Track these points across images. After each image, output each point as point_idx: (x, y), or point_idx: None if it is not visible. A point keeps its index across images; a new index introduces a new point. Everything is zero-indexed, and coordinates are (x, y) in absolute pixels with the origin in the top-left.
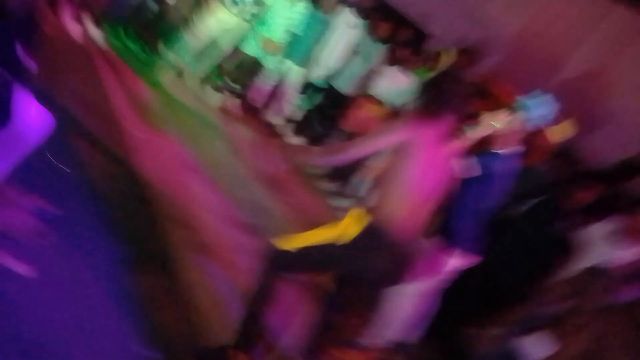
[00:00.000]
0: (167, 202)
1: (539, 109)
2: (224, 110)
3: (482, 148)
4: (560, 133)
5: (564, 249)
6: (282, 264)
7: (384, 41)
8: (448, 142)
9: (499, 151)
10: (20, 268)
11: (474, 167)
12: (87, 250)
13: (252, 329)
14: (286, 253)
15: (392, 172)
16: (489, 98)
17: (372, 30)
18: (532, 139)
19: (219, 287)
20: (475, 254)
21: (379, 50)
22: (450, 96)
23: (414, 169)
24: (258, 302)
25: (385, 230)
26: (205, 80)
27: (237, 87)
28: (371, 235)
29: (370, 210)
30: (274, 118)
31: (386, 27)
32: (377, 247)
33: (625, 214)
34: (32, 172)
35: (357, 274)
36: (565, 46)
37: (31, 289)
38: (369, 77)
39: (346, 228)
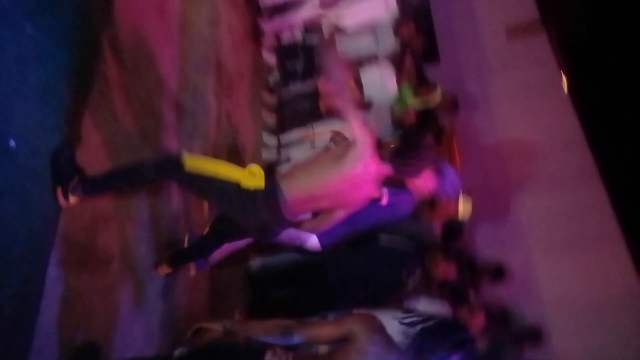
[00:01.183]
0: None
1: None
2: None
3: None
4: (462, 207)
5: (393, 295)
6: (181, 176)
7: (400, 40)
8: (380, 167)
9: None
10: None
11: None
12: None
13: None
14: (187, 172)
15: (321, 160)
16: (443, 146)
17: (397, 24)
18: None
19: None
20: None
21: (391, 44)
22: (422, 150)
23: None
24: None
25: (278, 200)
26: None
27: None
28: (265, 196)
29: (280, 175)
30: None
31: (410, 31)
32: (264, 208)
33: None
34: None
35: (236, 217)
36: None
37: None
38: (367, 59)
39: (247, 177)
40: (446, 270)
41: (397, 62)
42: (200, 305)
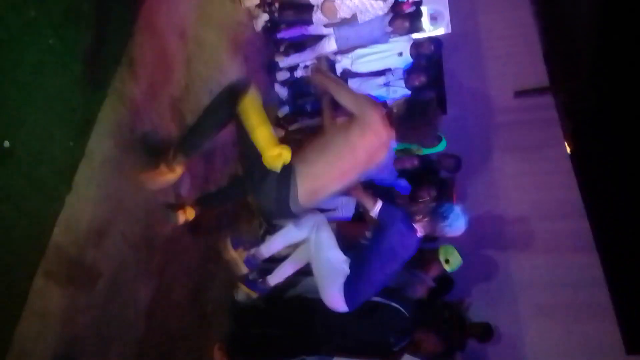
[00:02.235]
0: None
1: (456, 220)
2: None
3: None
4: (452, 258)
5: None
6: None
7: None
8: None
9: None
10: None
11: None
12: None
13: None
14: (236, 112)
15: (331, 138)
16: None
17: (409, 74)
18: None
19: None
20: None
21: (402, 93)
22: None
23: (354, 151)
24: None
25: (288, 191)
26: None
27: None
28: (278, 182)
29: (294, 158)
30: None
31: (421, 82)
32: (279, 188)
33: None
34: None
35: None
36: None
37: None
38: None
39: (273, 156)
40: (435, 346)
41: None
42: (181, 328)
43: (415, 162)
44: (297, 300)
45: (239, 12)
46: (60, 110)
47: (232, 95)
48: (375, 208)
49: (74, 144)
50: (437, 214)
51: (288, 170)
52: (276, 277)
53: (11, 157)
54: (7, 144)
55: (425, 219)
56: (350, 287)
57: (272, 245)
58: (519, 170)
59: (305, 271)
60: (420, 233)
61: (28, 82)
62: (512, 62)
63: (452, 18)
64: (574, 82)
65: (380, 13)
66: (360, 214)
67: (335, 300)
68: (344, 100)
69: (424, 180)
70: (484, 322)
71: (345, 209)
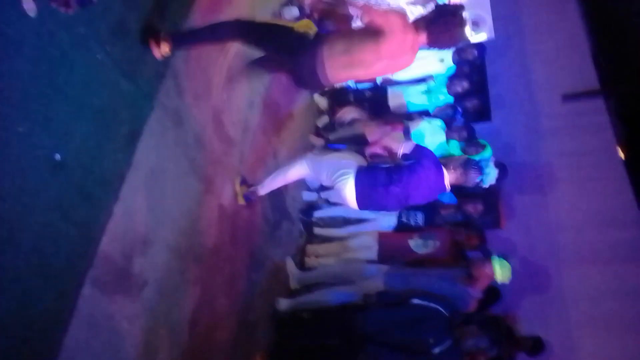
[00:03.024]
0: None
1: (490, 173)
2: None
3: None
4: (501, 271)
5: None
6: (247, 25)
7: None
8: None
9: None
10: None
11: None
12: None
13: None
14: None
15: (359, 33)
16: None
17: (451, 80)
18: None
19: None
20: None
21: (444, 100)
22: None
23: (377, 49)
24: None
25: (318, 54)
26: None
27: None
28: (311, 44)
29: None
30: None
31: (463, 89)
32: (307, 54)
33: None
34: None
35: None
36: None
37: None
38: (417, 113)
39: (300, 27)
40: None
41: (447, 119)
42: (224, 337)
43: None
44: (337, 312)
45: None
46: (109, 123)
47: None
48: (407, 147)
49: (122, 155)
50: (471, 166)
51: (318, 43)
52: (265, 188)
53: (62, 169)
54: (58, 156)
55: (459, 171)
56: (364, 185)
57: (270, 184)
58: (570, 177)
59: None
60: (450, 182)
61: (78, 97)
62: (559, 65)
63: (494, 22)
64: (626, 85)
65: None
66: (402, 224)
67: (349, 191)
68: (370, 13)
69: (469, 193)
70: (535, 335)
71: (386, 219)
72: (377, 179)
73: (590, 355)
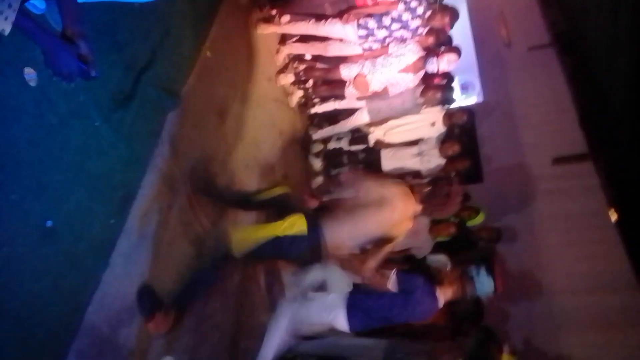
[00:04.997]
0: None
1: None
2: None
3: None
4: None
5: None
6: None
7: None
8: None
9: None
10: None
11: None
12: None
13: None
14: (237, 255)
15: (364, 206)
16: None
17: (443, 143)
18: None
19: None
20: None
21: (436, 163)
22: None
23: (379, 222)
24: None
25: (320, 244)
26: None
27: None
28: (309, 239)
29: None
30: None
31: (455, 151)
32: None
33: None
34: None
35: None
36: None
37: None
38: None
39: (287, 227)
40: None
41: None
42: None
43: (452, 229)
44: None
45: (274, 90)
46: (102, 188)
47: (221, 258)
48: (391, 281)
49: (114, 220)
50: (467, 278)
51: (316, 227)
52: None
53: (52, 236)
54: (49, 223)
55: (456, 285)
56: (354, 310)
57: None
58: (564, 240)
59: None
60: (442, 300)
61: (72, 163)
62: (547, 129)
63: (483, 87)
64: (614, 148)
65: (411, 85)
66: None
67: (340, 319)
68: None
69: (463, 257)
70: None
71: None
72: (370, 311)
73: None
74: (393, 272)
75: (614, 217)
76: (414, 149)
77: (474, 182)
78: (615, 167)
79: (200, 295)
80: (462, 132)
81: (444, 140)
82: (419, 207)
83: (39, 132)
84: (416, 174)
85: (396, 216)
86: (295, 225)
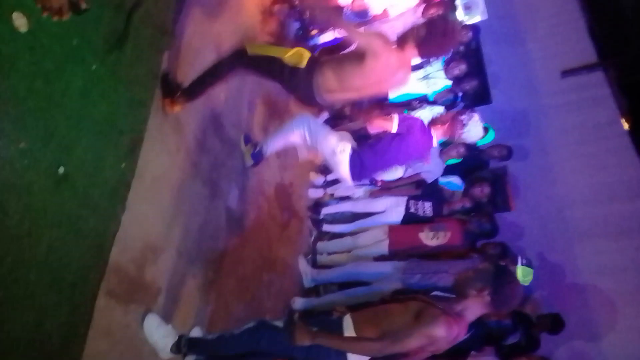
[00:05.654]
0: None
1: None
2: None
3: None
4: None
5: None
6: (245, 60)
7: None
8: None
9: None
10: None
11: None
12: None
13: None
14: (247, 55)
15: (346, 63)
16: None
17: (449, 64)
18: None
19: None
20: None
21: (442, 85)
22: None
23: (363, 74)
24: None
25: (312, 85)
26: None
27: None
28: (303, 76)
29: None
30: None
31: (461, 71)
32: (301, 84)
33: None
34: None
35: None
36: None
37: None
38: (417, 101)
39: (293, 55)
40: None
41: (448, 104)
42: None
43: (462, 149)
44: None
45: (270, 25)
46: (109, 132)
47: (238, 53)
48: (394, 124)
49: (125, 164)
50: (456, 121)
51: (311, 72)
52: (270, 147)
53: (66, 182)
54: (61, 170)
55: (445, 126)
56: (356, 160)
57: (274, 143)
58: (575, 152)
59: None
60: (437, 138)
61: (76, 109)
62: (555, 41)
63: (486, 4)
64: (624, 55)
65: (412, 4)
66: (411, 216)
67: (343, 167)
68: (352, 34)
69: (475, 176)
70: (553, 312)
71: (394, 211)
72: (368, 151)
73: (608, 329)
74: (396, 115)
75: (626, 125)
76: (419, 73)
77: (482, 104)
78: (626, 75)
79: (212, 85)
80: (467, 51)
81: (450, 61)
82: (411, 52)
83: (37, 80)
84: None
85: (379, 66)
86: (301, 56)
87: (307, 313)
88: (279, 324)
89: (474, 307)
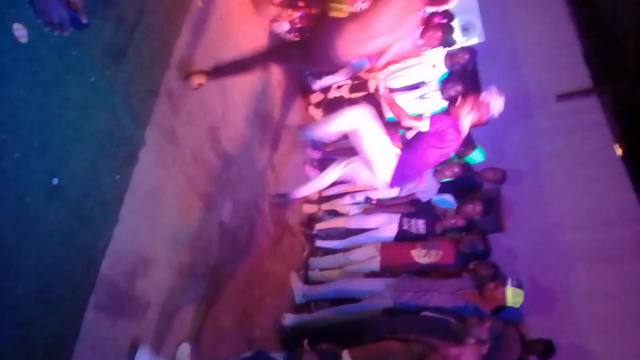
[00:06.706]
0: None
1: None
2: None
3: None
4: (512, 297)
5: None
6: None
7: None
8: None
9: None
10: None
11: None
12: None
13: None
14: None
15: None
16: None
17: (445, 84)
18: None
19: None
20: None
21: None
22: None
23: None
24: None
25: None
26: None
27: None
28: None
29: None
30: None
31: (458, 92)
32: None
33: None
34: None
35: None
36: None
37: None
38: None
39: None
40: None
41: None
42: (229, 354)
43: (456, 169)
44: (344, 322)
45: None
46: (105, 144)
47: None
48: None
49: (120, 177)
50: (479, 104)
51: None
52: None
53: (60, 193)
54: (55, 180)
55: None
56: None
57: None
58: (569, 176)
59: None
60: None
61: (73, 120)
62: (550, 65)
63: (484, 27)
64: (619, 81)
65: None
66: (404, 233)
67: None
68: None
69: (468, 195)
70: (544, 338)
71: (388, 228)
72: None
73: (600, 356)
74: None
75: (619, 151)
76: (416, 92)
77: (477, 125)
78: (620, 101)
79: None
80: (464, 72)
81: (446, 82)
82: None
83: (35, 90)
84: None
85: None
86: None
87: (298, 329)
88: (278, 358)
89: (470, 355)
